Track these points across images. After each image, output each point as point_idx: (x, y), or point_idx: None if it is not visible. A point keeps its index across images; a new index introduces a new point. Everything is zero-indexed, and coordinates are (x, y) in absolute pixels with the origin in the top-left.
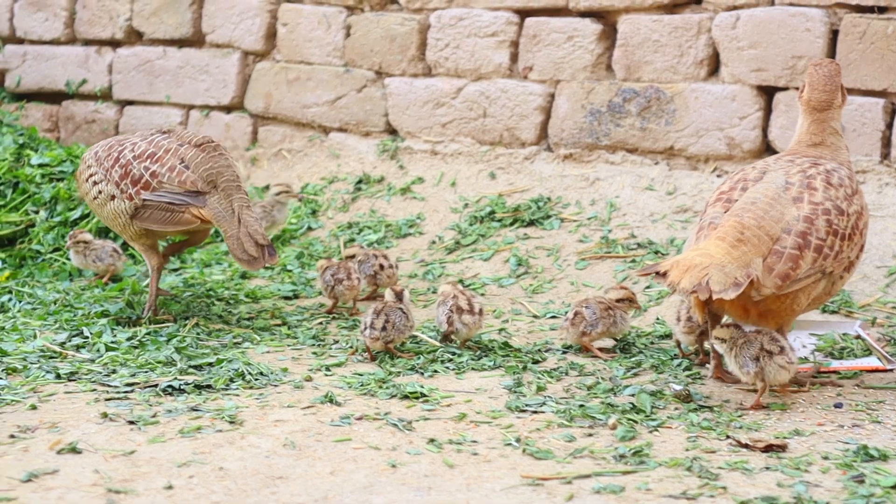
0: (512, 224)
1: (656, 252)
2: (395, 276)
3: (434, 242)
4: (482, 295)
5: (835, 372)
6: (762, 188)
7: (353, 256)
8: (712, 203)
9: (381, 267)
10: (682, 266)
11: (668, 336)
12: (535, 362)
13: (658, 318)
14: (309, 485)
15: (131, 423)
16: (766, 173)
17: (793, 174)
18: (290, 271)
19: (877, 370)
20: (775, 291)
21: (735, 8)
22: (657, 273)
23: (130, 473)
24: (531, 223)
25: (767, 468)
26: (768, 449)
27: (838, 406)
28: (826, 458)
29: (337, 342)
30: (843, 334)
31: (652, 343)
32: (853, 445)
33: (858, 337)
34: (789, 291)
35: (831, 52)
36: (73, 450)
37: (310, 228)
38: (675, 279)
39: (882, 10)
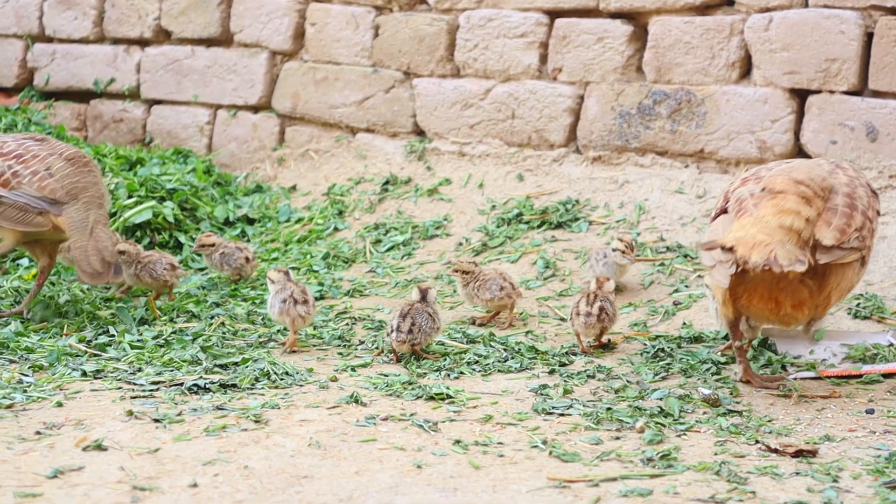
0: (540, 226)
1: (685, 255)
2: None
3: (461, 244)
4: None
5: (861, 375)
6: (795, 162)
7: (212, 245)
8: (739, 185)
9: (247, 259)
10: (747, 242)
11: (698, 339)
12: (563, 365)
13: (685, 323)
14: (334, 484)
15: (157, 421)
16: (781, 164)
17: (819, 162)
18: (316, 272)
19: None
20: (834, 244)
21: (768, 10)
22: (722, 248)
23: (155, 471)
24: (559, 226)
25: (797, 473)
26: (798, 454)
27: (870, 412)
28: (857, 463)
29: (362, 343)
30: (875, 344)
31: (680, 347)
32: (885, 451)
33: (891, 345)
34: (832, 266)
35: (865, 55)
36: (99, 447)
37: (336, 229)
38: (743, 254)
39: None
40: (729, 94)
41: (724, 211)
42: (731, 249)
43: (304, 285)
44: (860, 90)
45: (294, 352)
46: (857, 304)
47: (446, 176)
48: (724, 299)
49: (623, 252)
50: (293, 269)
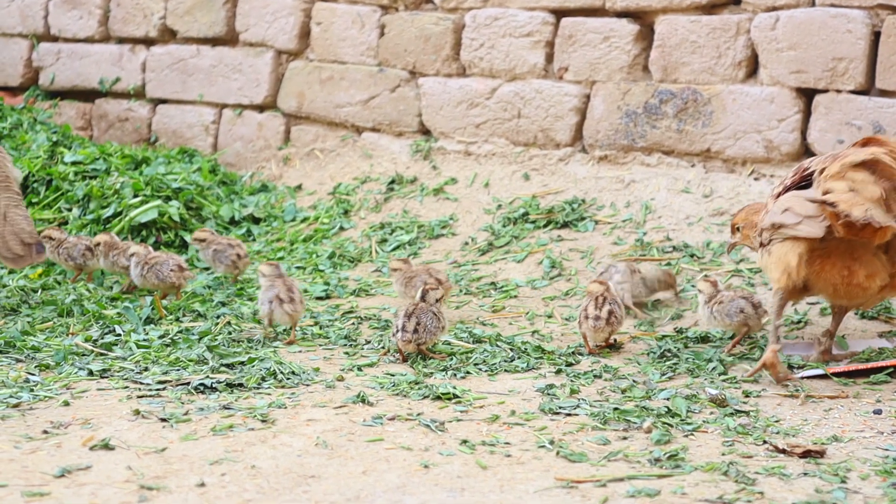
0: (546, 226)
1: (692, 255)
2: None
3: (467, 244)
4: (515, 297)
5: (872, 370)
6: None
7: (203, 240)
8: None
9: (239, 256)
10: (847, 199)
11: (704, 339)
12: (569, 365)
13: (697, 322)
14: (341, 484)
15: (163, 420)
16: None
17: None
18: (321, 271)
19: None
20: None
21: (775, 9)
22: (824, 203)
23: (163, 470)
24: (565, 225)
25: (805, 474)
26: (806, 454)
27: (878, 412)
28: (865, 464)
29: (369, 342)
30: (882, 347)
31: (687, 347)
32: (893, 452)
33: None
34: None
35: (873, 54)
36: (106, 446)
37: (342, 228)
38: (845, 208)
39: None
40: (735, 94)
41: (788, 189)
42: (832, 204)
43: (293, 281)
44: (867, 89)
45: (291, 343)
46: None
47: (452, 175)
48: (793, 267)
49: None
50: (299, 268)
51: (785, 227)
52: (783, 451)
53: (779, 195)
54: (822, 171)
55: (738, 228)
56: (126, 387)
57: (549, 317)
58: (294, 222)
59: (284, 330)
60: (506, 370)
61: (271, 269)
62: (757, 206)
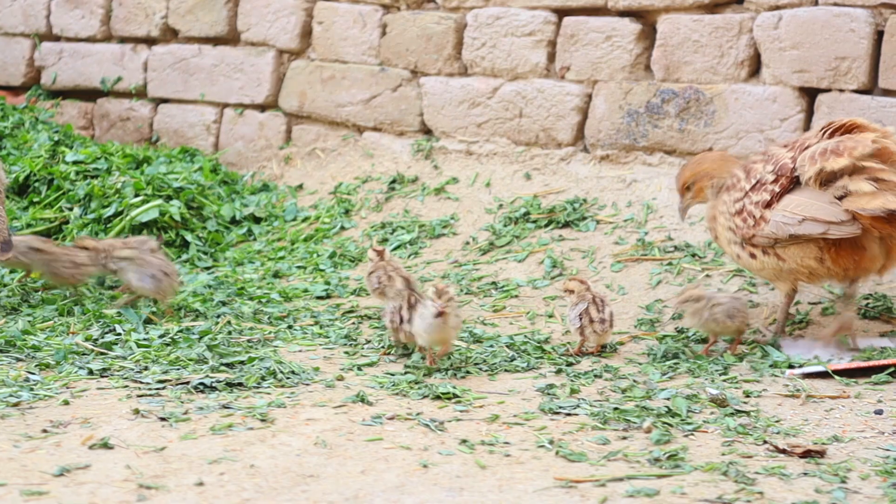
0: (547, 225)
1: (693, 255)
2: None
3: (468, 243)
4: (515, 297)
5: (874, 369)
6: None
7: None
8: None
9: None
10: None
11: (705, 340)
12: (569, 365)
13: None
14: (340, 484)
15: (163, 419)
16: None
17: None
18: (322, 271)
19: None
20: None
21: (777, 8)
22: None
23: (162, 469)
24: (566, 225)
25: (805, 474)
26: (806, 454)
27: (879, 412)
28: (866, 464)
29: (369, 342)
30: (883, 346)
31: (687, 347)
32: (894, 452)
33: None
34: None
35: (876, 54)
36: (105, 445)
37: (343, 228)
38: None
39: None
40: (738, 93)
41: (780, 194)
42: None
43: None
44: (870, 89)
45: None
46: (867, 304)
47: (453, 175)
48: (815, 268)
49: None
50: (300, 268)
51: (806, 235)
52: (783, 451)
53: (769, 203)
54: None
55: (688, 188)
56: (126, 386)
57: (550, 316)
58: (295, 222)
59: (289, 327)
60: (506, 370)
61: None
62: (699, 157)
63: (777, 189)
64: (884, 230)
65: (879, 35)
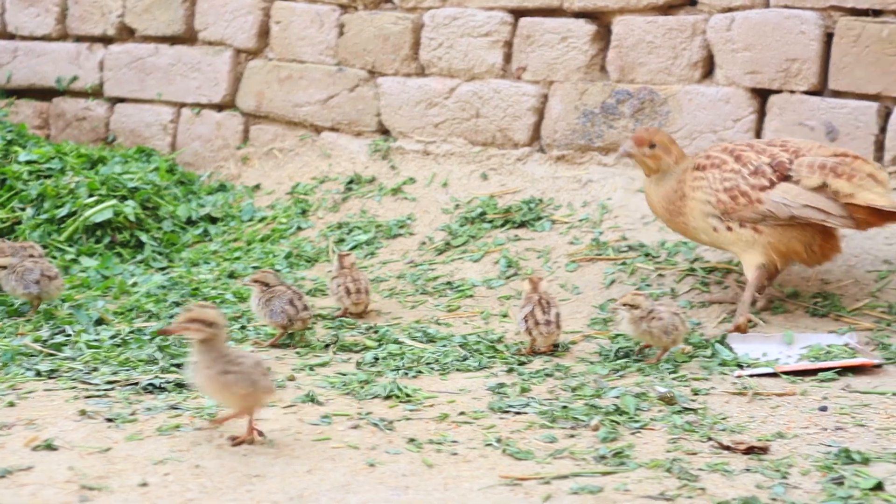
0: (503, 225)
1: (647, 254)
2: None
3: (424, 243)
4: (470, 296)
5: (821, 370)
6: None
7: None
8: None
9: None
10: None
11: None
12: (521, 364)
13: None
14: (285, 483)
15: (109, 420)
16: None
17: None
18: (278, 271)
19: (863, 365)
20: None
21: (730, 10)
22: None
23: (105, 470)
24: (522, 224)
25: (748, 470)
26: (750, 451)
27: (823, 409)
28: (807, 460)
29: (327, 345)
30: (831, 344)
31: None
32: (835, 448)
33: (847, 345)
34: None
35: (825, 55)
36: (49, 447)
37: (299, 228)
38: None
39: (877, 13)
40: (692, 94)
41: (773, 182)
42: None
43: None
44: (820, 90)
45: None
46: (815, 303)
47: (410, 175)
48: (799, 252)
49: None
50: (256, 268)
51: (805, 218)
52: (727, 448)
53: (765, 187)
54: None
55: (652, 145)
56: (74, 387)
57: (505, 316)
58: (252, 222)
59: (242, 327)
60: (458, 369)
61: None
62: (670, 137)
63: (774, 179)
64: (873, 224)
65: (829, 37)
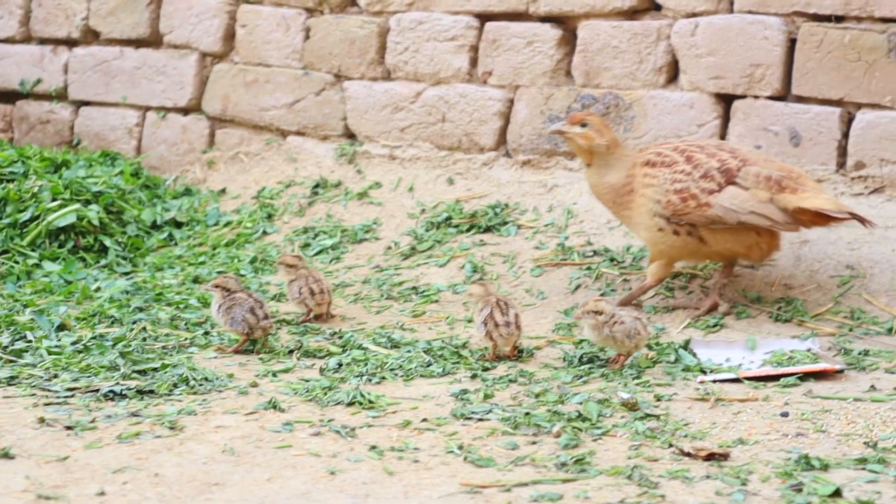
0: (468, 230)
1: (612, 259)
2: None
3: (390, 248)
4: (436, 301)
5: (783, 376)
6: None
7: None
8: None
9: None
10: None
11: None
12: (486, 370)
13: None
14: (245, 491)
15: (69, 428)
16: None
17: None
18: (243, 276)
19: (825, 371)
20: None
21: (694, 15)
22: (851, 213)
23: (63, 479)
24: (488, 229)
25: (708, 477)
26: (710, 457)
27: (784, 415)
28: (767, 466)
29: (292, 351)
30: (794, 350)
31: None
32: (795, 454)
33: (810, 350)
34: None
35: (789, 61)
36: (6, 455)
37: (265, 233)
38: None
39: (839, 19)
40: (656, 99)
41: (722, 186)
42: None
43: None
44: (784, 95)
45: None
46: (779, 308)
47: (377, 179)
48: (737, 251)
49: None
50: (220, 272)
51: (752, 224)
52: (688, 455)
53: (713, 191)
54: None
55: (584, 124)
56: (33, 394)
57: (470, 321)
58: (217, 226)
59: (205, 333)
60: (422, 375)
61: None
62: (607, 123)
63: (723, 183)
64: (819, 225)
65: (792, 42)
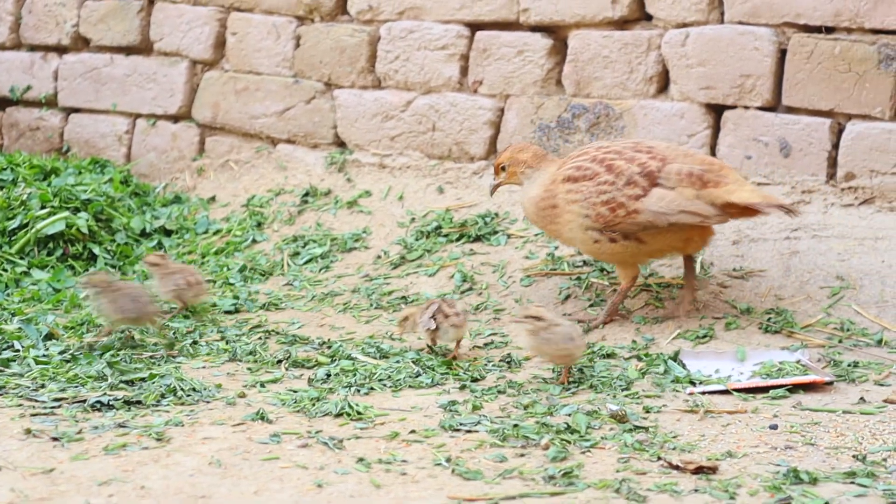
0: (458, 239)
1: (601, 270)
2: None
3: (379, 257)
4: None
5: (772, 387)
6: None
7: None
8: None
9: None
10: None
11: (610, 356)
12: (474, 380)
13: (604, 337)
14: None
15: (55, 439)
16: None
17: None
18: (231, 285)
19: (814, 383)
20: None
21: (685, 25)
22: (781, 206)
23: (48, 492)
24: (478, 239)
25: (696, 490)
26: (699, 471)
27: (773, 427)
28: (756, 479)
29: (280, 360)
30: (783, 361)
31: (592, 362)
32: (784, 467)
33: (799, 362)
34: None
35: (779, 72)
36: None
37: (254, 241)
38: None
39: (829, 30)
40: (647, 109)
41: (647, 189)
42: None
43: None
44: (774, 106)
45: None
46: (769, 319)
47: (366, 188)
48: (676, 248)
49: None
50: (210, 281)
51: (683, 223)
52: (677, 468)
53: (639, 196)
54: (708, 181)
55: (503, 168)
56: (20, 405)
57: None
58: (206, 234)
59: (194, 342)
60: (410, 386)
61: None
62: (521, 146)
63: (647, 186)
64: (747, 216)
65: (783, 53)
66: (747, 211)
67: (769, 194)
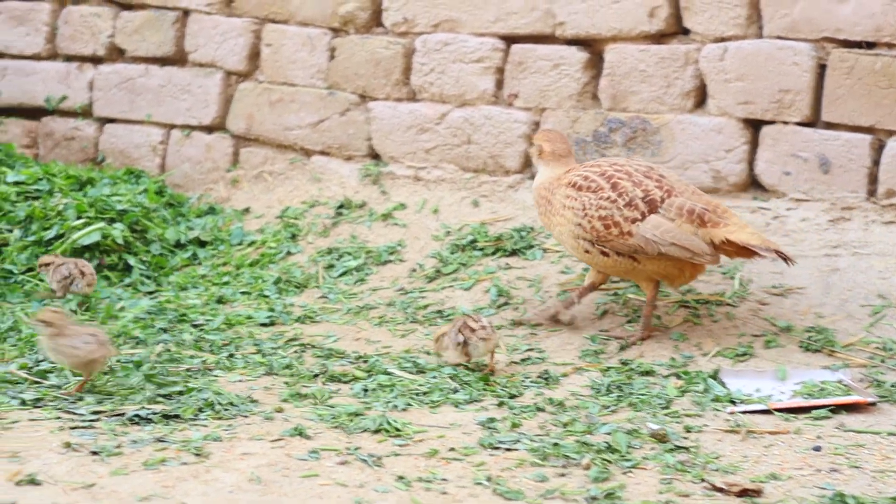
0: (494, 253)
1: (637, 285)
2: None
3: (414, 270)
4: None
5: (815, 408)
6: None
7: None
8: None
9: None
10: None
11: (648, 373)
12: (512, 397)
13: (642, 354)
14: None
15: (94, 453)
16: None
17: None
18: (266, 297)
19: (857, 403)
20: None
21: (723, 39)
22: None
23: None
24: (513, 253)
25: None
26: (743, 493)
27: (817, 449)
28: (802, 503)
29: (317, 375)
30: (824, 381)
31: (631, 380)
32: (829, 491)
33: (841, 381)
34: None
35: (818, 87)
36: (32, 481)
37: (289, 253)
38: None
39: (870, 45)
40: (684, 123)
41: (645, 214)
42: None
43: None
44: (813, 122)
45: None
46: (809, 337)
47: (401, 200)
48: (671, 276)
49: None
50: (244, 293)
51: (673, 256)
52: (720, 490)
53: (636, 220)
54: (700, 217)
55: (533, 144)
56: (59, 417)
57: (496, 346)
58: (241, 246)
59: (230, 355)
60: (448, 402)
61: None
62: (550, 136)
63: (647, 212)
64: (743, 257)
65: (822, 69)
66: (743, 251)
67: (768, 239)
